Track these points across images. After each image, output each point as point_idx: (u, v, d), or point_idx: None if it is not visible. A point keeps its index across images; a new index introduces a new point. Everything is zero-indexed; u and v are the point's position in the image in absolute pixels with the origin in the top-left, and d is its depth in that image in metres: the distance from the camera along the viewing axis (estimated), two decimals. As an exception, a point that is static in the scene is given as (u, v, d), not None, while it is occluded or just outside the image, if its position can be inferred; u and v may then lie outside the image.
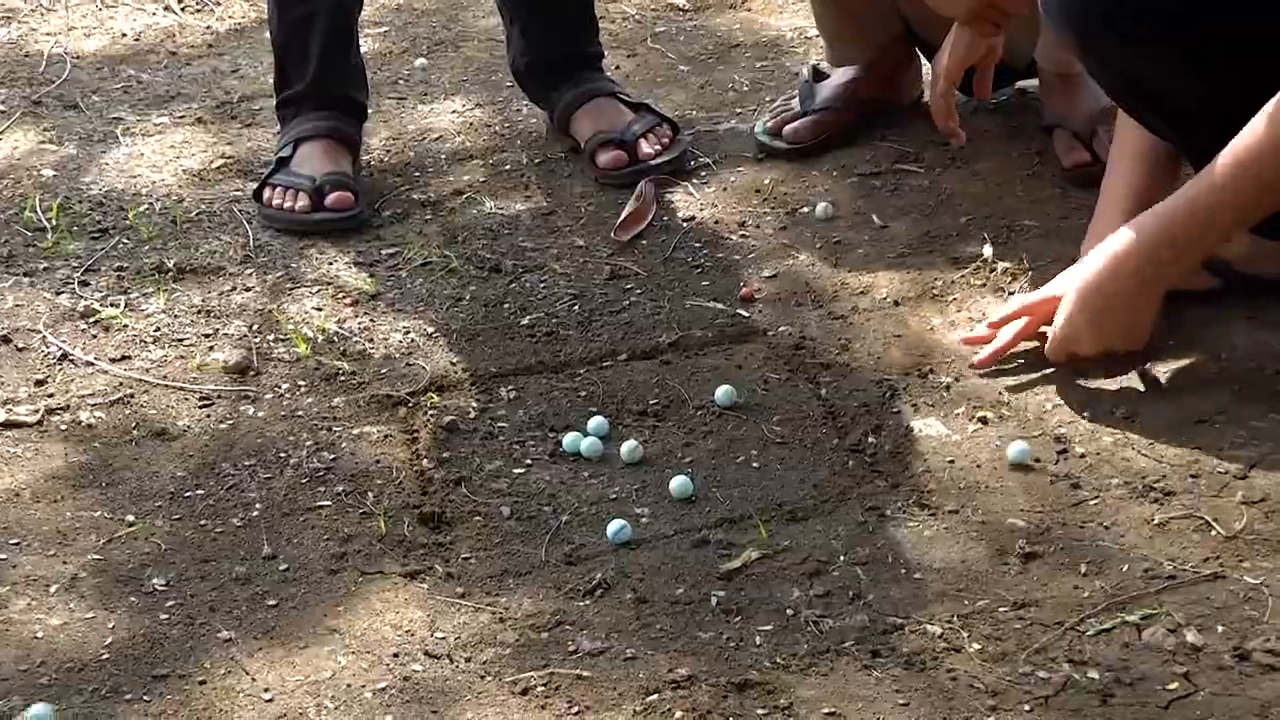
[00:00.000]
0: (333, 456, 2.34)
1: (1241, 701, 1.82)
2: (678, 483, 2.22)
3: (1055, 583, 2.02)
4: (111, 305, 2.70)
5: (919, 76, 3.14)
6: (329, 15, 2.97)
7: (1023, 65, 2.94)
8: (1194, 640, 1.91)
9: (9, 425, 2.42)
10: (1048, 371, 2.40)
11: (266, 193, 2.94)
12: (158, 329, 2.64)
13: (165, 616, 2.05)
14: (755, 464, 2.28)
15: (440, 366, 2.52)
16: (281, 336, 2.60)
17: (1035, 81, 3.02)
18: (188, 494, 2.27)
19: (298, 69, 3.00)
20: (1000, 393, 2.37)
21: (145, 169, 3.13)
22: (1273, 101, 2.15)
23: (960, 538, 2.11)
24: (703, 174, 3.02)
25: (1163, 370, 2.37)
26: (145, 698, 1.93)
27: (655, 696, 1.88)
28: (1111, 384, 2.36)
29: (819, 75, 3.09)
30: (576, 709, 1.87)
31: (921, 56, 3.11)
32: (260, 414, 2.43)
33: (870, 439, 2.31)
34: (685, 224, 2.87)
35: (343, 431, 2.39)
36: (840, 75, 3.07)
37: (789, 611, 2.00)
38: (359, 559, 2.14)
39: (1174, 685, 1.85)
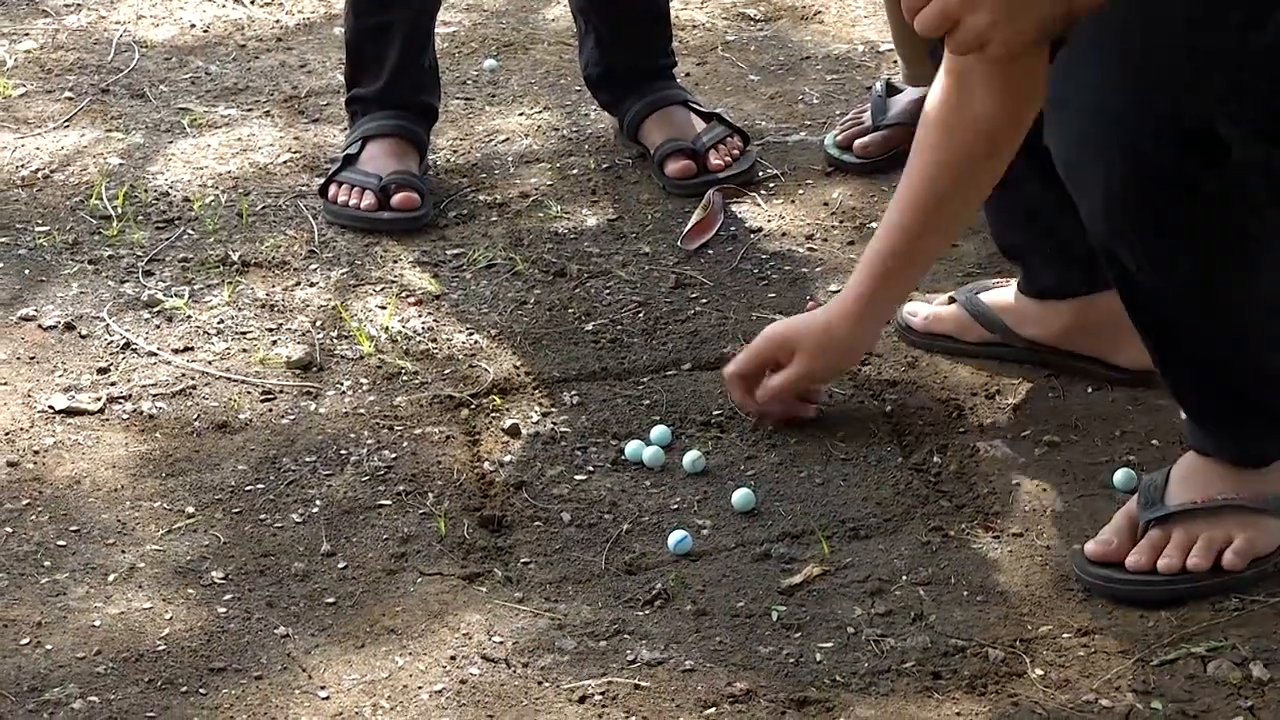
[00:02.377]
0: (394, 456, 2.35)
1: (1308, 738, 1.82)
2: (740, 495, 2.23)
3: (1120, 611, 2.01)
4: (175, 296, 2.72)
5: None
6: (409, 25, 2.98)
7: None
8: (1260, 674, 1.90)
9: (71, 412, 2.44)
10: (1115, 397, 2.40)
11: (332, 189, 2.96)
12: (221, 321, 2.66)
13: (223, 610, 2.07)
14: (818, 479, 2.29)
15: (503, 369, 2.53)
16: (345, 334, 2.62)
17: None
18: (248, 488, 2.29)
19: (370, 71, 3.01)
20: (1067, 417, 2.37)
21: (211, 160, 3.15)
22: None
23: (1024, 561, 2.11)
24: (771, 185, 3.02)
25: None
26: (201, 690, 1.94)
27: (713, 710, 1.89)
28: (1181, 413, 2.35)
29: (892, 90, 3.09)
30: (634, 719, 1.88)
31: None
32: (322, 411, 2.45)
33: (935, 458, 2.31)
34: (752, 235, 2.88)
35: (404, 431, 2.40)
36: (913, 93, 3.05)
37: (850, 629, 2.00)
38: (418, 560, 2.15)
39: (1239, 719, 1.85)
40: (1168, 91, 1.84)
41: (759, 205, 2.96)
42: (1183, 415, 2.12)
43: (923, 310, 2.54)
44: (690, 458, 2.29)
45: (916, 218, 2.27)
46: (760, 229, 2.89)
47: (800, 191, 3.00)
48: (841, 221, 2.90)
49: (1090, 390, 2.42)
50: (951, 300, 2.54)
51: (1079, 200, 1.98)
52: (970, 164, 2.23)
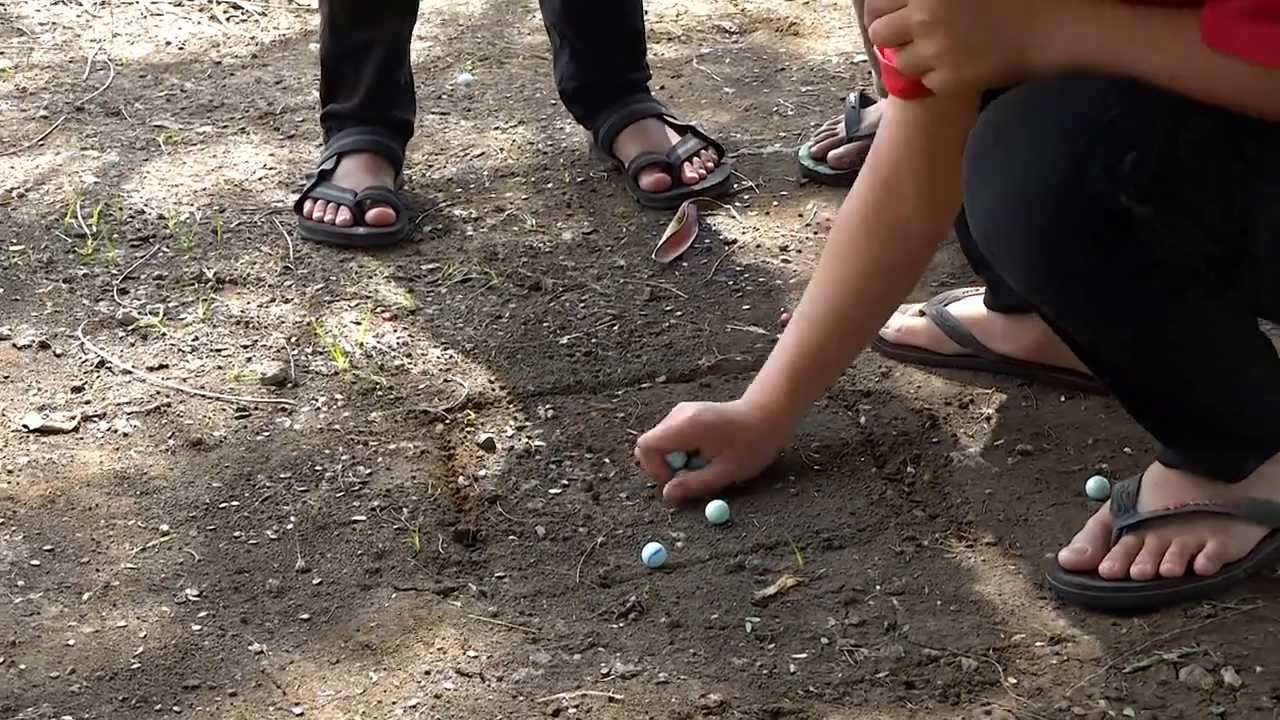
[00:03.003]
0: (368, 471, 2.35)
1: (1279, 744, 1.82)
2: (714, 508, 2.23)
3: (1093, 618, 2.02)
4: (150, 314, 2.72)
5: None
6: (385, 43, 2.99)
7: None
8: (1232, 680, 1.91)
9: (45, 431, 2.44)
10: (1088, 405, 2.41)
11: (308, 205, 2.97)
12: (196, 339, 2.67)
13: (197, 628, 2.07)
14: (792, 490, 2.29)
15: (478, 384, 2.54)
16: (319, 350, 2.62)
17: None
18: (222, 505, 2.29)
19: (347, 89, 3.02)
20: (1040, 426, 2.38)
21: (187, 178, 3.16)
22: None
23: (998, 570, 2.12)
24: (746, 197, 3.03)
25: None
26: (175, 709, 1.94)
27: (687, 722, 1.89)
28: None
29: (866, 101, 3.10)
30: (608, 732, 1.89)
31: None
32: (296, 427, 2.45)
33: (909, 468, 2.32)
34: (727, 247, 2.88)
35: (379, 447, 2.40)
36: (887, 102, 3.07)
37: (824, 640, 2.01)
38: (392, 575, 2.15)
39: (1211, 725, 1.86)
40: (1086, 173, 1.82)
41: (734, 217, 2.97)
42: None
43: (895, 322, 2.54)
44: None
45: (835, 321, 2.28)
46: (735, 241, 2.90)
47: (775, 203, 3.01)
48: (816, 233, 2.91)
49: (1063, 399, 2.43)
50: (922, 313, 2.55)
51: (999, 268, 1.98)
52: (890, 267, 2.27)
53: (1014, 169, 1.87)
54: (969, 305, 2.53)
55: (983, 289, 2.51)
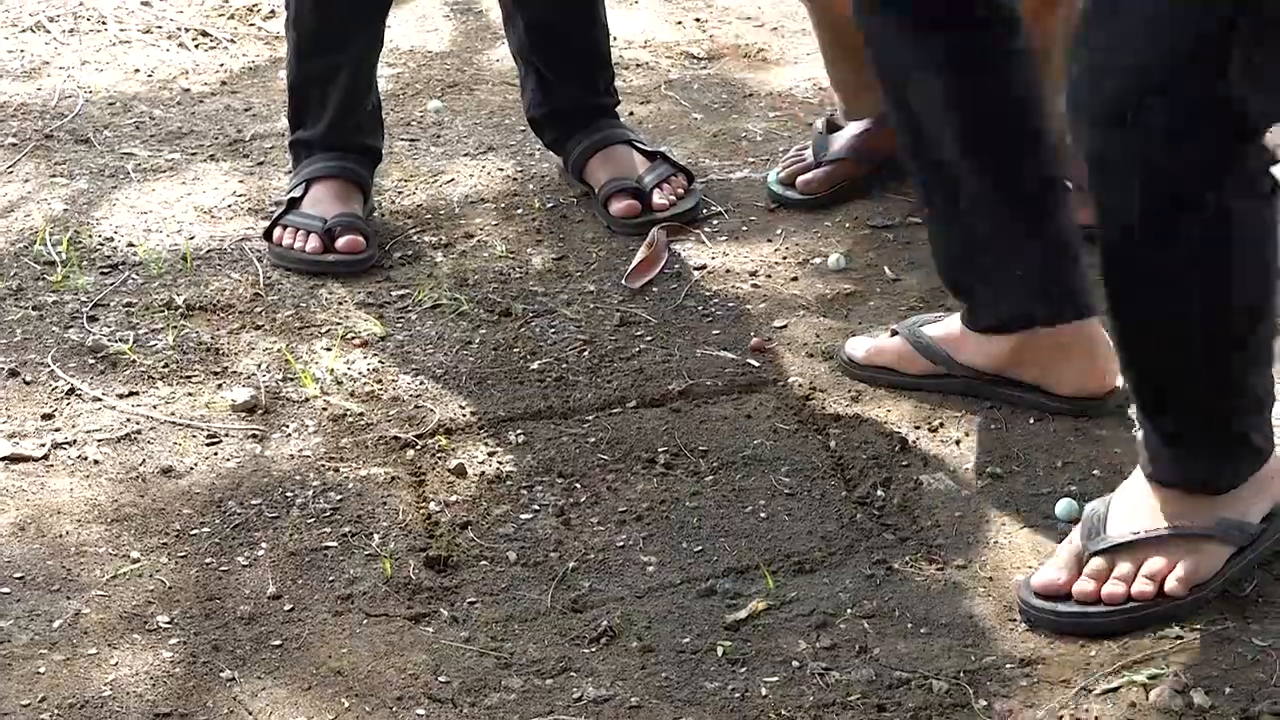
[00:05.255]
0: (339, 498, 2.35)
1: (1248, 764, 1.84)
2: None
3: (1062, 640, 2.03)
4: (120, 341, 2.72)
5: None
6: (351, 68, 3.00)
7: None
8: (1201, 701, 1.92)
9: (15, 459, 2.44)
10: (1057, 428, 2.42)
11: (277, 232, 2.97)
12: (166, 365, 2.67)
13: (169, 655, 2.07)
14: (763, 514, 2.30)
15: (449, 410, 2.54)
16: (290, 376, 2.62)
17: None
18: (193, 532, 2.29)
19: (314, 115, 3.02)
20: (1010, 449, 2.39)
21: (156, 205, 3.16)
22: None
23: (968, 593, 2.13)
24: (715, 223, 3.04)
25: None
26: (147, 736, 1.94)
27: (659, 746, 1.90)
28: (1123, 444, 2.37)
29: (833, 127, 3.12)
30: (580, 756, 1.89)
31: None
32: (267, 454, 2.45)
33: (879, 492, 2.33)
34: (696, 272, 2.89)
35: (349, 473, 2.40)
36: (854, 128, 3.09)
37: (795, 663, 2.02)
38: (364, 601, 2.15)
39: (1181, 746, 1.87)
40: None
41: (703, 243, 2.98)
42: (1141, 445, 2.13)
43: (864, 344, 2.56)
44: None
45: None
46: (704, 266, 2.91)
47: (744, 229, 3.02)
48: (785, 258, 2.92)
49: (1032, 421, 2.44)
50: (894, 333, 2.56)
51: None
52: None
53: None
54: (943, 325, 2.54)
55: (954, 313, 2.53)
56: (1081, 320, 2.44)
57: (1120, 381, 2.40)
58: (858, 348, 2.56)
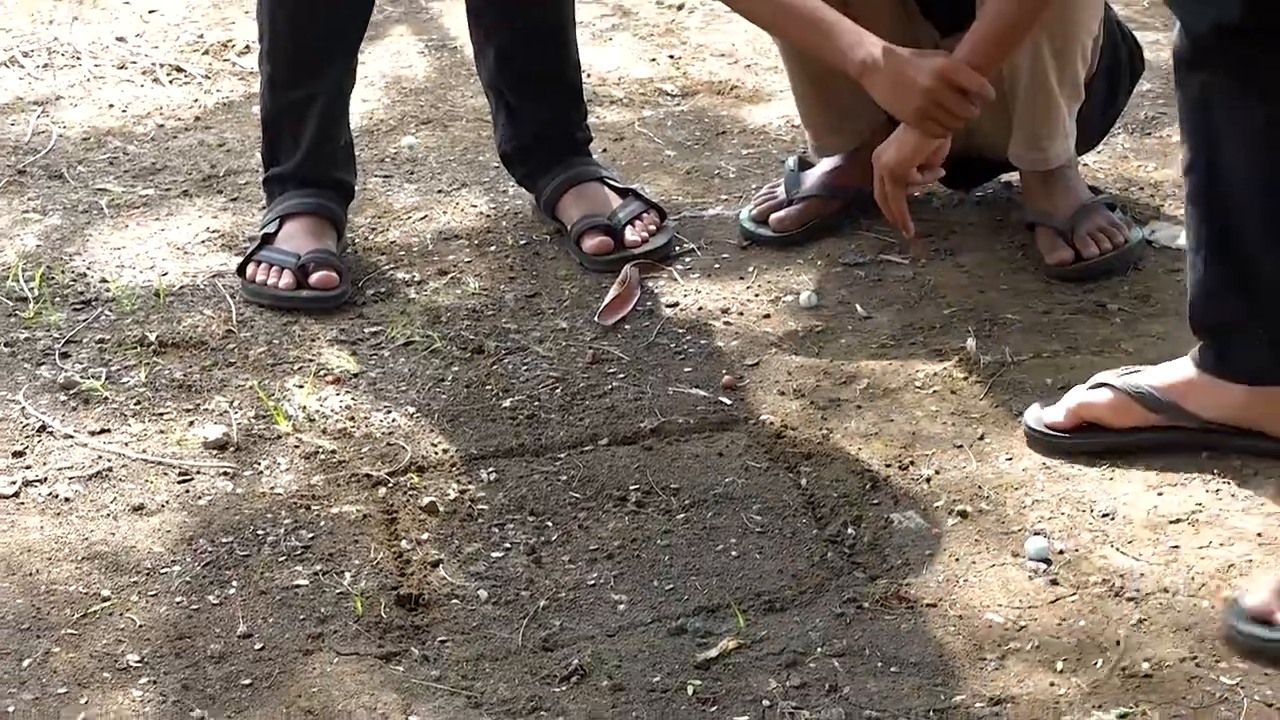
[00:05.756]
0: (310, 535, 2.35)
1: (1216, 803, 1.84)
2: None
3: (1032, 679, 2.04)
4: (92, 378, 2.72)
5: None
6: (325, 100, 3.01)
7: (1003, 158, 2.98)
8: (1170, 740, 1.93)
9: (-14, 496, 2.44)
10: (1027, 466, 2.43)
11: (250, 268, 2.97)
12: (138, 402, 2.66)
13: (139, 694, 2.06)
14: (734, 552, 2.30)
15: (421, 447, 2.54)
16: (262, 413, 2.62)
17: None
18: (164, 570, 2.29)
19: (287, 149, 3.03)
20: (980, 487, 2.40)
21: (129, 241, 3.16)
22: None
23: (938, 632, 2.13)
24: (687, 260, 3.05)
25: (1142, 469, 2.40)
26: (116, 776, 1.94)
27: (629, 786, 1.90)
28: (1091, 482, 2.38)
29: (804, 164, 3.14)
30: (550, 797, 1.89)
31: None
32: (239, 491, 2.45)
33: (849, 530, 2.34)
34: (669, 310, 2.90)
35: (321, 510, 2.40)
36: (825, 165, 3.11)
37: (765, 703, 2.02)
38: (335, 640, 2.15)
39: (1149, 785, 1.87)
40: None
41: (676, 280, 2.99)
42: None
43: (1058, 409, 2.44)
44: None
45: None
46: (677, 303, 2.92)
47: (717, 266, 3.03)
48: (757, 295, 2.93)
49: (1005, 459, 2.45)
50: (1097, 386, 2.44)
51: None
52: None
53: None
54: (1164, 372, 2.43)
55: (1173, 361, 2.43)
56: None
57: None
58: (1050, 414, 2.45)
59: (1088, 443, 2.44)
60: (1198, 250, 2.36)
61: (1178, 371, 2.42)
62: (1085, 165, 3.19)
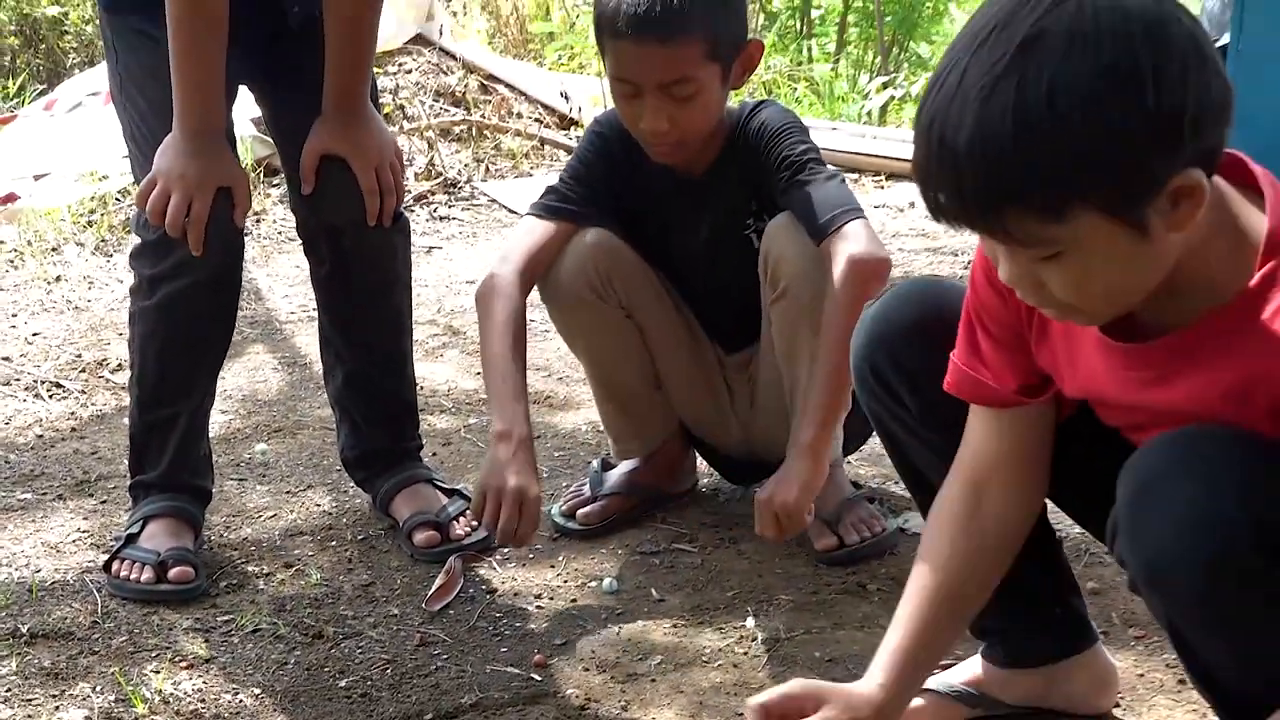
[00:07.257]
0: (162, 807, 2.48)
1: None
2: None
3: None
4: (-32, 668, 2.83)
5: (693, 468, 3.42)
6: (187, 418, 3.18)
7: (779, 458, 3.21)
8: None
9: None
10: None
11: (115, 565, 3.11)
12: (9, 690, 2.75)
13: None
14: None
15: (264, 725, 2.70)
16: (122, 698, 2.75)
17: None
18: (28, 842, 2.40)
19: (152, 460, 3.19)
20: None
21: (6, 541, 3.28)
22: None
23: None
24: (506, 551, 3.20)
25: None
26: None
27: None
28: None
29: (607, 465, 3.36)
30: None
31: (696, 451, 3.43)
32: (99, 768, 2.58)
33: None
34: (489, 595, 3.06)
35: (173, 784, 2.54)
36: (624, 466, 3.33)
37: None
38: None
39: None
40: (1251, 507, 1.81)
41: (495, 569, 3.18)
42: None
43: None
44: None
45: (934, 615, 2.23)
46: (496, 590, 3.09)
47: (530, 555, 3.21)
48: (566, 581, 3.13)
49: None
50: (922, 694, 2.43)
51: (1162, 596, 1.94)
52: (983, 562, 2.24)
53: (1185, 500, 1.84)
54: (964, 670, 2.51)
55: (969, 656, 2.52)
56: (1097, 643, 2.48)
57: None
58: None
59: None
60: None
61: (972, 667, 2.50)
62: (849, 463, 3.44)
